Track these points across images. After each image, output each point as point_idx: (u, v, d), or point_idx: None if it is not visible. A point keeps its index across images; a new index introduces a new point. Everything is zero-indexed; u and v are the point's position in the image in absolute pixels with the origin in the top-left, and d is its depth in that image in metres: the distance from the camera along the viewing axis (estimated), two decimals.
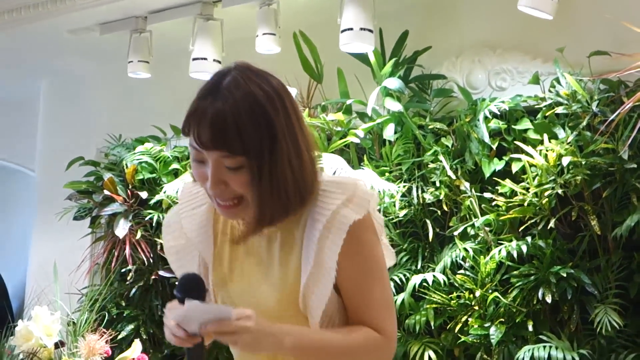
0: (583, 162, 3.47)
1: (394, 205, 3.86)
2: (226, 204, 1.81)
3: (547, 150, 3.55)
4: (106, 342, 4.38)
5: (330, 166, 3.87)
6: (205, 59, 4.41)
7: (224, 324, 1.67)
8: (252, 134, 1.72)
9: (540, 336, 3.48)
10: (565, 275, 3.45)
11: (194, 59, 4.43)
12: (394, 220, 3.90)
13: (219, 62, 4.44)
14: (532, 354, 3.39)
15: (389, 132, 3.96)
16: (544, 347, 3.41)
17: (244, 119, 1.73)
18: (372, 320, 1.85)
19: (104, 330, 4.44)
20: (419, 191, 3.89)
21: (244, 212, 1.84)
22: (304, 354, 1.81)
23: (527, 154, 3.58)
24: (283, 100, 1.78)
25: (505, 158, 3.75)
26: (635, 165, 3.39)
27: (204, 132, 1.75)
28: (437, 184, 3.83)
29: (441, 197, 3.82)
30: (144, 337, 4.64)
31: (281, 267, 1.87)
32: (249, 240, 1.90)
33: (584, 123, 3.55)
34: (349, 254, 1.82)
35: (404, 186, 3.90)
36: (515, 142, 3.70)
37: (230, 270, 1.95)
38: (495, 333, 3.54)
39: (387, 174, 3.94)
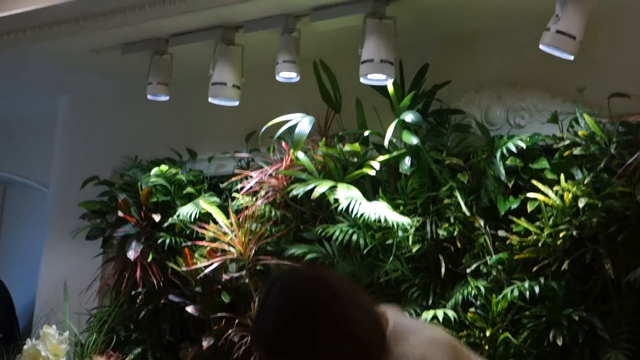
0: (599, 205, 3.44)
1: (407, 240, 3.83)
2: None
3: (563, 191, 3.52)
4: None
5: (345, 197, 3.86)
6: (224, 84, 4.41)
7: None
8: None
9: None
10: (577, 318, 3.41)
11: (213, 84, 4.43)
12: (407, 255, 3.87)
13: (238, 87, 4.43)
14: None
15: (405, 166, 3.94)
16: None
17: (282, 348, 1.99)
18: None
19: (112, 352, 4.44)
20: (433, 226, 3.87)
21: None
22: None
23: (543, 193, 3.56)
24: (318, 311, 1.99)
25: (521, 196, 3.72)
26: None
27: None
28: (452, 220, 3.80)
29: (455, 233, 3.79)
30: None
31: None
32: None
33: (602, 165, 3.52)
34: None
35: (418, 220, 3.87)
36: (531, 180, 3.67)
37: None
38: None
39: (401, 207, 3.92)
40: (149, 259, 4.62)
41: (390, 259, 3.86)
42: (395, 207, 3.90)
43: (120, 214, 4.76)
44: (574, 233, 3.48)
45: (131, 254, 4.60)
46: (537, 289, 3.49)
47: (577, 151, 3.58)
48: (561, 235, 3.49)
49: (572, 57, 3.58)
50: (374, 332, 2.03)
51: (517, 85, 4.03)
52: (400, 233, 3.85)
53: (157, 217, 4.70)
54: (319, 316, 2.00)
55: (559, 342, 3.41)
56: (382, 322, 2.08)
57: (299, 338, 1.98)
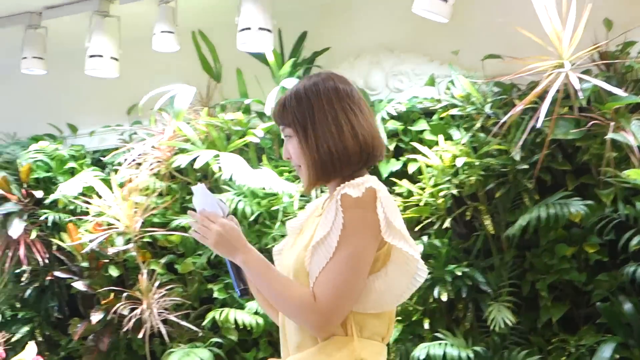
0: (477, 163, 3.55)
1: (293, 206, 3.87)
2: (295, 168, 2.23)
3: (442, 151, 3.61)
4: None
5: (229, 165, 3.87)
6: (101, 56, 4.36)
7: (209, 215, 2.15)
8: (295, 111, 2.17)
9: (436, 334, 3.54)
10: (460, 273, 3.51)
11: (90, 56, 4.37)
12: None
13: (116, 59, 4.39)
14: (428, 351, 3.44)
15: None
16: (440, 344, 3.46)
17: (292, 101, 2.19)
18: (315, 286, 2.07)
19: None
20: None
21: (302, 177, 2.20)
22: (249, 273, 2.15)
23: (423, 154, 3.64)
24: (328, 93, 2.19)
25: (402, 159, 3.80)
26: (526, 166, 3.48)
27: (273, 112, 2.24)
28: None
29: None
30: (40, 339, 4.57)
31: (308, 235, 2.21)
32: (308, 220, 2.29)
33: (478, 125, 3.62)
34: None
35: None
36: (412, 143, 3.75)
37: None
38: None
39: (286, 174, 3.96)
40: (33, 236, 4.54)
41: (277, 225, 3.90)
42: (280, 174, 3.93)
43: (0, 192, 4.66)
44: (455, 192, 3.58)
45: (14, 232, 4.52)
46: (421, 248, 3.58)
47: (454, 112, 3.68)
48: (442, 194, 3.59)
49: (446, 21, 3.67)
50: (357, 149, 2.17)
51: (395, 50, 4.11)
52: (285, 199, 3.89)
53: (38, 194, 4.62)
54: (325, 96, 2.19)
55: (444, 298, 3.51)
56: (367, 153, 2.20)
57: (305, 103, 2.17)
